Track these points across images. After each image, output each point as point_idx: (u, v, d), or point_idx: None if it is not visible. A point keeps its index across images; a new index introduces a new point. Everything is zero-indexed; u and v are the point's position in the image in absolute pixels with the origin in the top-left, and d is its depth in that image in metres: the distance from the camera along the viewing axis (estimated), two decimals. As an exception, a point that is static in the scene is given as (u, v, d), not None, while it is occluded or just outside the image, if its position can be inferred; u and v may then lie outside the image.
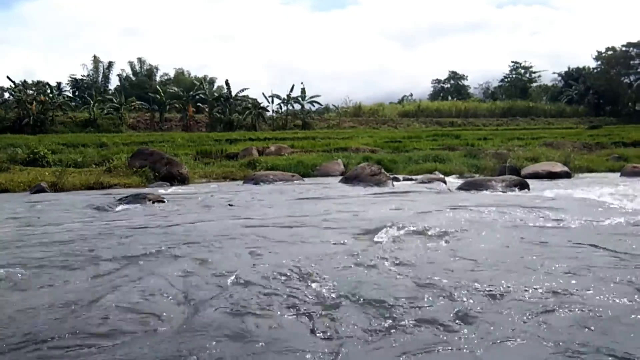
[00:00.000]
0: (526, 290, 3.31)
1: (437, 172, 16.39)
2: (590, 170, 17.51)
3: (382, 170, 13.95)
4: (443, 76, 62.83)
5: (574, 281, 3.52)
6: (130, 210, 8.32)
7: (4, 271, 4.03)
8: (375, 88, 75.94)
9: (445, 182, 13.23)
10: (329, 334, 2.69)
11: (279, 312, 3.01)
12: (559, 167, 15.47)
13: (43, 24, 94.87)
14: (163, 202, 9.36)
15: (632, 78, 51.17)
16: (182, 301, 3.26)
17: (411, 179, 14.90)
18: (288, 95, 41.75)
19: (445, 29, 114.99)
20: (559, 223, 6.02)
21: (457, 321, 2.81)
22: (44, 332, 2.73)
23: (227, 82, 41.87)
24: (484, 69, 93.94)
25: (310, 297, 3.26)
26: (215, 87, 48.28)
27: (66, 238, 5.60)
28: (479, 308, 3.01)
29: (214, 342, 2.58)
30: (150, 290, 3.48)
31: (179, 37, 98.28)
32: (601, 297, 3.17)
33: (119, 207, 8.63)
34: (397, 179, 14.56)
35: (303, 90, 42.28)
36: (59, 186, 12.73)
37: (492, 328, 2.71)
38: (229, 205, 8.82)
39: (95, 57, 50.21)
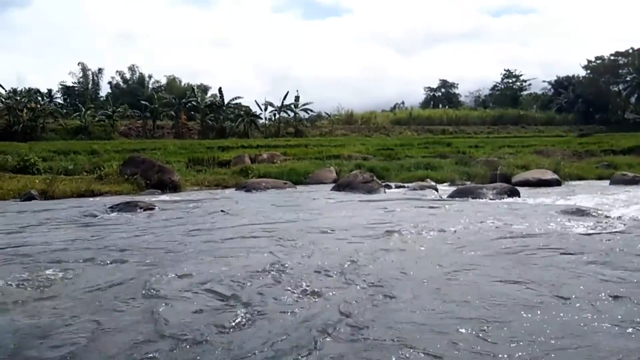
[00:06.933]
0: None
1: (428, 180, 16.43)
2: (580, 178, 17.65)
3: (374, 178, 14.00)
4: (436, 84, 63.30)
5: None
6: (120, 218, 8.27)
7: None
8: (369, 95, 76.04)
9: (437, 190, 13.29)
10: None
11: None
12: (549, 175, 15.60)
13: (34, 30, 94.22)
14: (154, 209, 9.32)
15: (620, 86, 51.77)
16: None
17: (403, 187, 14.95)
18: (282, 103, 41.79)
19: (440, 37, 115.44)
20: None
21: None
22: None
23: (220, 90, 41.86)
24: (477, 76, 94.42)
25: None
26: (209, 94, 48.02)
27: (49, 248, 5.57)
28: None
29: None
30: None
31: (171, 44, 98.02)
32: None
33: (110, 215, 8.58)
34: (389, 187, 14.61)
35: (297, 98, 42.34)
36: (50, 194, 12.63)
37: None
38: (222, 211, 8.83)
39: (82, 64, 49.33)
